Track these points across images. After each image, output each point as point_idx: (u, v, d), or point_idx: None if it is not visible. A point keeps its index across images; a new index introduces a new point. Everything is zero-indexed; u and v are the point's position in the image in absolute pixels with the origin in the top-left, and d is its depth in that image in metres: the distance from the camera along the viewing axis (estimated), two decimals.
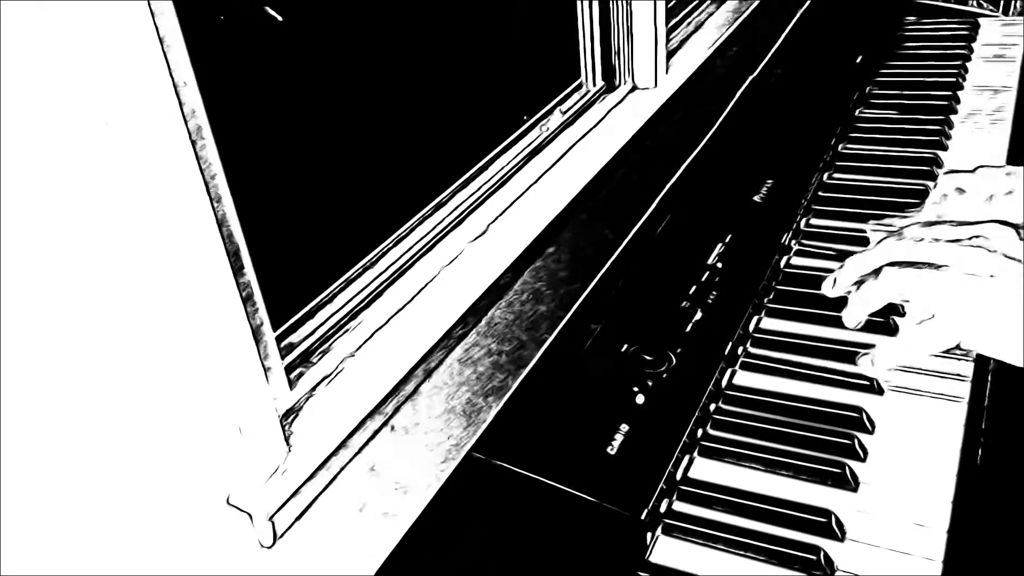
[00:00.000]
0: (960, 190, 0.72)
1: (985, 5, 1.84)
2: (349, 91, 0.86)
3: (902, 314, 0.92)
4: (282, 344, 0.75)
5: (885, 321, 0.91)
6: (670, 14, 1.40)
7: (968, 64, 1.47)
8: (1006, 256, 0.61)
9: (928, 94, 1.39)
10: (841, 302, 0.94)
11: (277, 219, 0.76)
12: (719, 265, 0.95)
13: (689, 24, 1.48)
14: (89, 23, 0.48)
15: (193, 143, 0.56)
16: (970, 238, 0.64)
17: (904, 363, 0.85)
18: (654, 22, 1.23)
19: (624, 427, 0.75)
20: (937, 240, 0.65)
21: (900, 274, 0.65)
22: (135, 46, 0.51)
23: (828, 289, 0.71)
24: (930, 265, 0.64)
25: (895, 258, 0.67)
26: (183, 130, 0.55)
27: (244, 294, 0.63)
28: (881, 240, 0.70)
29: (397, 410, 0.77)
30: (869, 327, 0.91)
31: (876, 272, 0.67)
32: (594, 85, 1.26)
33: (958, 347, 0.63)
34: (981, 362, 0.88)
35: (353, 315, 0.83)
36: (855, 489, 0.74)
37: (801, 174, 1.14)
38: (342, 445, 0.71)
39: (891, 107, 1.37)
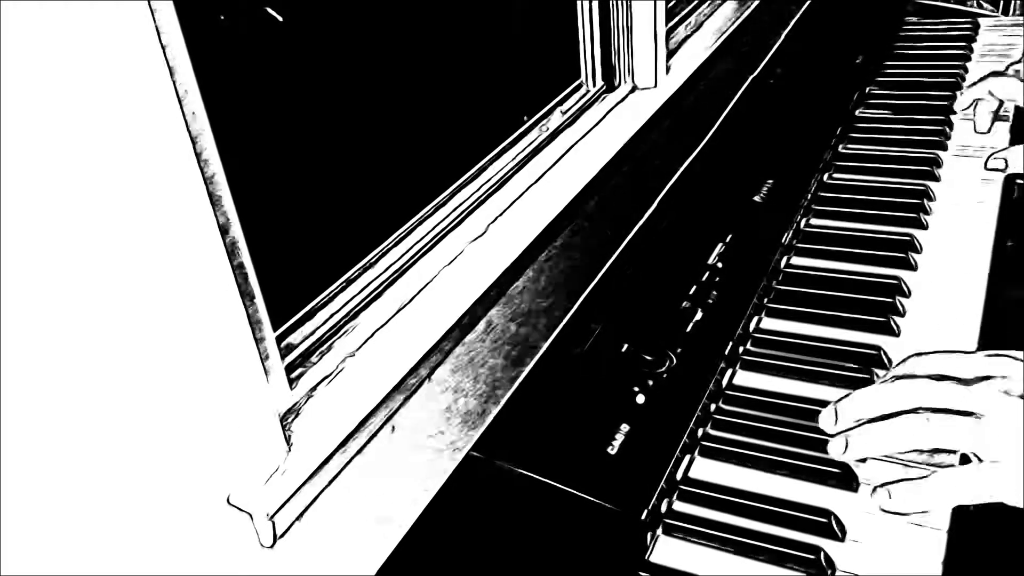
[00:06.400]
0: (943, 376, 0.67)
1: (985, 5, 1.84)
2: (349, 91, 0.86)
3: (902, 314, 0.92)
4: (282, 344, 0.75)
5: (886, 321, 0.91)
6: (670, 14, 1.40)
7: (968, 64, 1.47)
8: None
9: (928, 94, 1.38)
10: (844, 305, 0.95)
11: (277, 219, 0.76)
12: (719, 265, 0.95)
13: (689, 24, 1.48)
14: (88, 23, 0.48)
15: (193, 143, 0.56)
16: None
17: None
18: (654, 22, 1.23)
19: (624, 427, 0.75)
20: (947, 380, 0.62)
21: (933, 422, 0.61)
22: (135, 46, 0.51)
23: (827, 423, 0.70)
24: (962, 413, 0.61)
25: (918, 403, 0.63)
26: (183, 130, 0.55)
27: (244, 294, 0.63)
28: (890, 378, 0.68)
29: (397, 410, 0.77)
30: (870, 327, 0.91)
31: (888, 415, 0.65)
32: (594, 85, 1.26)
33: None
34: None
35: (353, 315, 0.83)
36: (855, 489, 0.74)
37: (801, 174, 1.14)
38: (342, 445, 0.71)
39: (891, 107, 1.37)
